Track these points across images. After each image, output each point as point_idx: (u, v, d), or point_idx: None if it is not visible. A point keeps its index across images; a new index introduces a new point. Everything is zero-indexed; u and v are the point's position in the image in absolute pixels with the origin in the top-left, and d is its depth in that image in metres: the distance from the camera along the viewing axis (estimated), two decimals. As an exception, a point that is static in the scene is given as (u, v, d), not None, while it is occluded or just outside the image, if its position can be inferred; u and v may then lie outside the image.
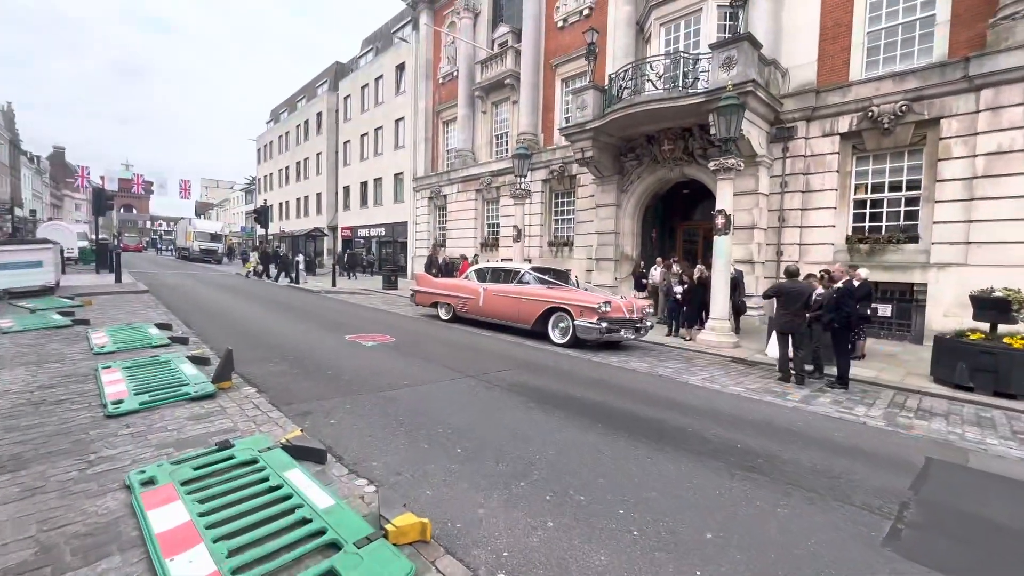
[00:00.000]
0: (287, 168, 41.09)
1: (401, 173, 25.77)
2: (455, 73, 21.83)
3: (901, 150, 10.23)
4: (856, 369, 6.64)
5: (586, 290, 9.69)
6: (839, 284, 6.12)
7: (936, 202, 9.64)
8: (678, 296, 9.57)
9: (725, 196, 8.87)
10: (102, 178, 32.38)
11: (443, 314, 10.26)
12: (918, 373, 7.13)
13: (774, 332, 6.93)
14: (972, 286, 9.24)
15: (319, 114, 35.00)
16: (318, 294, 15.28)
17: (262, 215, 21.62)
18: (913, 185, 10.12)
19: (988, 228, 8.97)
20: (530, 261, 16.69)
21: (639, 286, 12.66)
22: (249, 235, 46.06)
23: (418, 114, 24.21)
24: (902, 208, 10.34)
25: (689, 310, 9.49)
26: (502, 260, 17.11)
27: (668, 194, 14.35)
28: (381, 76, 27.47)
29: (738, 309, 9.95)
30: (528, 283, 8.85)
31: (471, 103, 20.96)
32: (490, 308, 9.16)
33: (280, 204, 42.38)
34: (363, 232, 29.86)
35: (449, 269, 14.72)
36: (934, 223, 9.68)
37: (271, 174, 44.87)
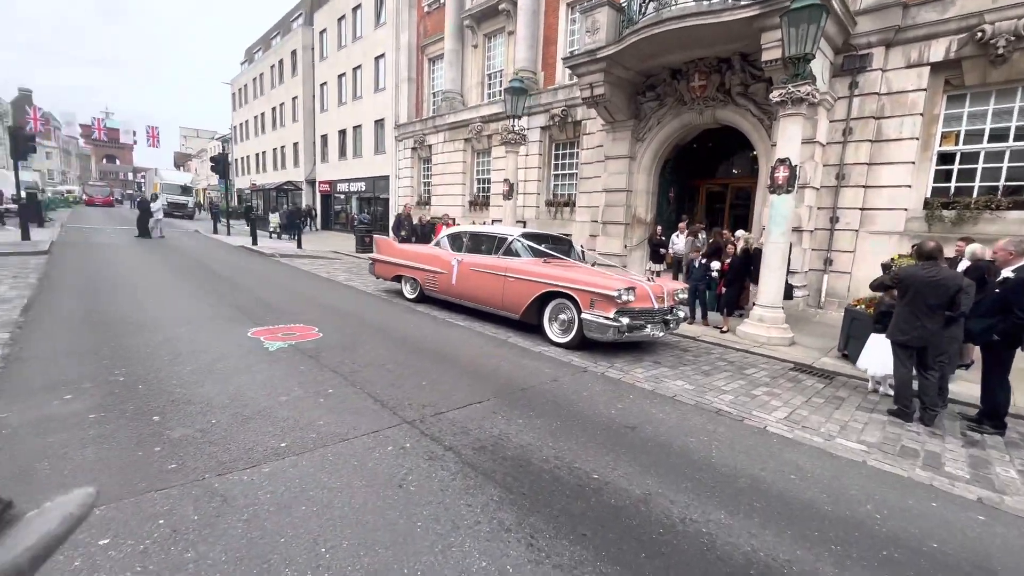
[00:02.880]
0: (262, 115, 37.42)
1: (382, 120, 22.75)
2: (442, -1, 18.58)
3: (1013, 86, 7.75)
4: (968, 385, 4.50)
5: (594, 265, 7.38)
6: (1009, 272, 3.84)
7: (1061, 156, 7.29)
8: (715, 273, 7.31)
9: (791, 139, 6.47)
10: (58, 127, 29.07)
11: (408, 291, 7.90)
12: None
13: (875, 338, 4.72)
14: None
15: (294, 52, 31.25)
16: (270, 258, 12.84)
17: (220, 165, 18.83)
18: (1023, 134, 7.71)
19: None
20: (524, 223, 14.26)
21: (656, 257, 10.37)
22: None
23: (400, 50, 20.99)
24: (1005, 164, 7.97)
25: (729, 292, 7.25)
26: (492, 221, 14.61)
27: (687, 147, 11.84)
28: (359, 4, 23.89)
29: (786, 291, 7.73)
30: (517, 255, 6.38)
31: (460, 35, 17.86)
32: (464, 288, 6.75)
33: (257, 155, 38.94)
34: (342, 187, 27.04)
35: (426, 232, 12.27)
36: (1054, 184, 7.36)
37: (247, 121, 41.10)
